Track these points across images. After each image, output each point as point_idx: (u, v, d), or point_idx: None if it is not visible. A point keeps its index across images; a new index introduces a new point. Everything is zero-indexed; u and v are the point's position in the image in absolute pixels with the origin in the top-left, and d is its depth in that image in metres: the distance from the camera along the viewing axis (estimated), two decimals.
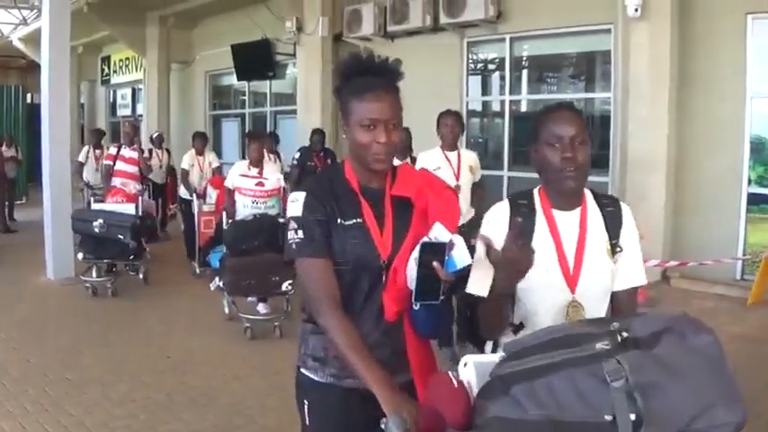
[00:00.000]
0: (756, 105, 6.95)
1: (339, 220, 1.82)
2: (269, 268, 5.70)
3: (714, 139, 7.09)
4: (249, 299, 6.29)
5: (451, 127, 5.45)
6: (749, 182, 7.05)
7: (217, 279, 6.06)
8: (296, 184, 7.92)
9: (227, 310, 6.20)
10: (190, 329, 5.99)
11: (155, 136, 10.98)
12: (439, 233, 1.73)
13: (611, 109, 8.12)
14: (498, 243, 1.73)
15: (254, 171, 6.54)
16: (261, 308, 6.22)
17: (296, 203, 1.83)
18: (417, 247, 1.72)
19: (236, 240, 5.93)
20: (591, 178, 1.91)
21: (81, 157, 10.96)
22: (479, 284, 1.85)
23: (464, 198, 5.26)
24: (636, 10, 6.93)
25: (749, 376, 3.80)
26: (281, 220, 6.14)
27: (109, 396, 4.44)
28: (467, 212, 5.18)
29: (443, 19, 9.07)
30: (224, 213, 6.65)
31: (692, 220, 7.24)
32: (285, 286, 5.76)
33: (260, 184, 6.48)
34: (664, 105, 7.10)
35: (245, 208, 6.39)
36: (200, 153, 9.08)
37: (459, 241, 1.73)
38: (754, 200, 7.06)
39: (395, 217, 1.87)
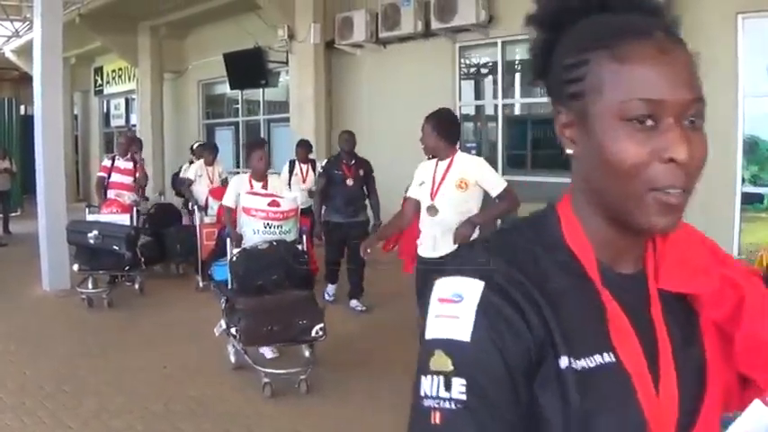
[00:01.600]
0: (749, 105, 6.98)
1: (566, 360, 0.76)
2: (294, 310, 4.65)
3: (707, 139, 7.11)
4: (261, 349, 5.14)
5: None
6: (743, 181, 7.07)
7: (222, 322, 4.96)
8: (321, 198, 6.83)
9: (232, 359, 5.07)
10: (186, 340, 5.96)
11: (195, 146, 10.49)
12: None
13: None
14: None
15: (258, 185, 5.50)
16: (267, 352, 5.18)
17: (456, 309, 0.76)
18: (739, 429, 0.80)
19: (248, 274, 4.86)
20: None
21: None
22: None
23: (443, 224, 4.08)
24: None
25: None
26: (300, 247, 5.33)
27: (106, 407, 4.42)
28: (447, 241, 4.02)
29: (435, 24, 9.08)
30: (228, 240, 5.43)
31: (686, 220, 7.23)
32: (316, 331, 4.58)
33: (274, 203, 5.26)
34: None
35: (255, 233, 5.22)
36: (209, 164, 8.72)
37: None
38: (748, 199, 7.07)
39: (676, 346, 0.84)
